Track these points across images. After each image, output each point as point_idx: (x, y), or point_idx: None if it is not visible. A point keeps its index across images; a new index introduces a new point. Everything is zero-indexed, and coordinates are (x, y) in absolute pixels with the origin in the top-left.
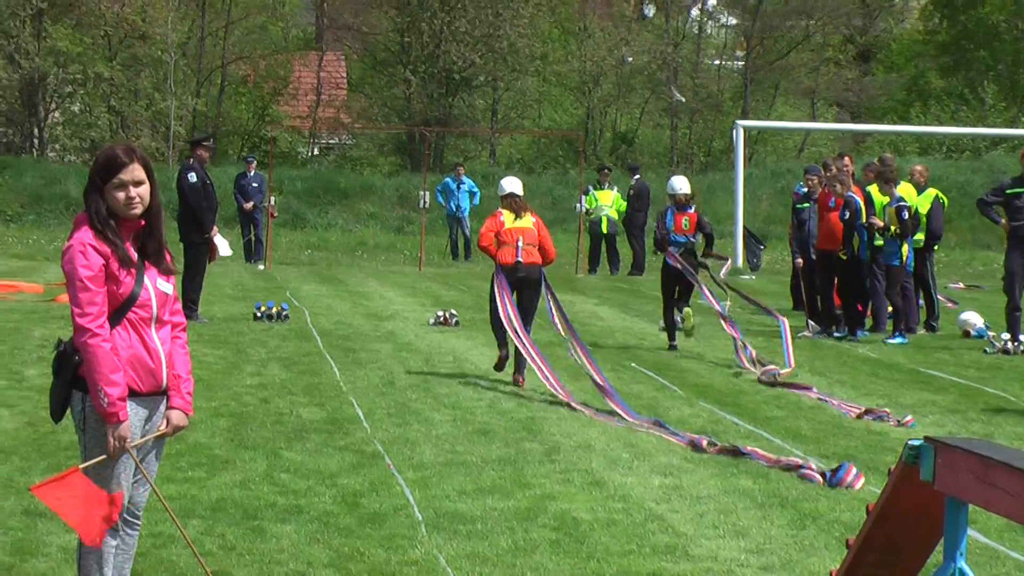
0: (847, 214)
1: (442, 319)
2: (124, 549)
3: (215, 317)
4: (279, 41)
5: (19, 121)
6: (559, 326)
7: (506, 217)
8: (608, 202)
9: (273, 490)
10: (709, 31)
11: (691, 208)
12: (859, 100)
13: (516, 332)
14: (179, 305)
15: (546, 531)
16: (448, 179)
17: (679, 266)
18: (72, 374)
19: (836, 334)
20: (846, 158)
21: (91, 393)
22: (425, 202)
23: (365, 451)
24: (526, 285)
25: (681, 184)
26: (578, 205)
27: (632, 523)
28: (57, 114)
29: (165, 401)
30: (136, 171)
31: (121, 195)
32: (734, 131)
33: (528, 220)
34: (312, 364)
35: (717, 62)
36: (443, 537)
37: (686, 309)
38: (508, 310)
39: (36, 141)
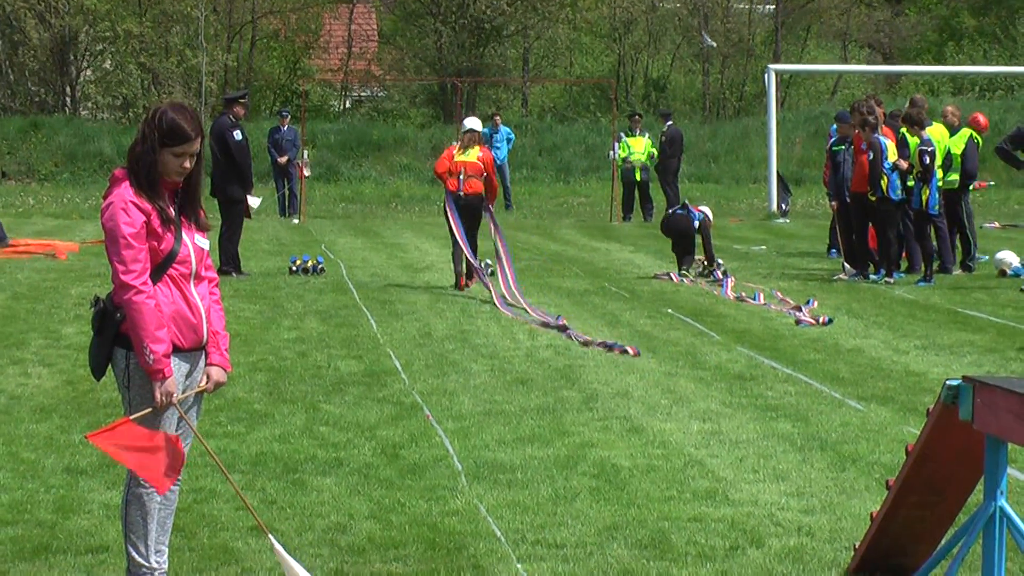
0: (872, 156)
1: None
2: (166, 504)
3: (251, 272)
4: None
5: (51, 80)
6: (499, 249)
7: (457, 150)
8: (640, 149)
9: (313, 443)
10: None
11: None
12: (891, 41)
13: (465, 245)
14: (210, 261)
15: (586, 479)
16: (486, 129)
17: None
18: (114, 331)
19: (873, 276)
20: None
21: (136, 350)
22: None
23: (404, 403)
24: (468, 211)
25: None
26: (611, 152)
27: (672, 469)
28: (89, 72)
29: (204, 356)
30: (197, 144)
31: (176, 163)
32: (766, 75)
33: (473, 154)
34: (349, 317)
35: (748, 6)
36: (484, 487)
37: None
38: (457, 229)
39: (68, 100)
